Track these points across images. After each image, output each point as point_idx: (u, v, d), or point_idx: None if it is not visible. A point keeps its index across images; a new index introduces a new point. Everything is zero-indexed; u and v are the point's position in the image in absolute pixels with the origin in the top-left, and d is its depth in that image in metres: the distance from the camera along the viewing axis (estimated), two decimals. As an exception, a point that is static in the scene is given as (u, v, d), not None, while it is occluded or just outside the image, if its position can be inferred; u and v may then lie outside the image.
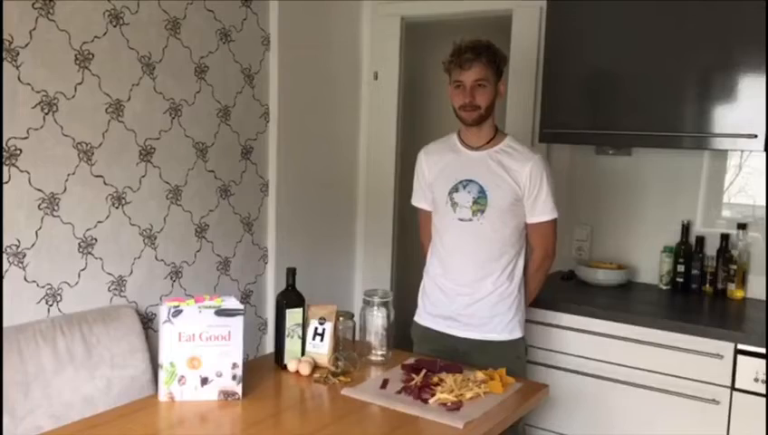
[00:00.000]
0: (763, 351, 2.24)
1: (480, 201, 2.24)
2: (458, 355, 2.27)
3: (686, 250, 2.84)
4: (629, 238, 3.03)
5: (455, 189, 2.28)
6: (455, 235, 2.29)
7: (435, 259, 2.37)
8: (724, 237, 2.77)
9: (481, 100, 2.21)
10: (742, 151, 2.74)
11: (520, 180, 2.22)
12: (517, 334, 2.31)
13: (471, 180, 2.26)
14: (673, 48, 2.54)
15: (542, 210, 2.26)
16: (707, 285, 2.80)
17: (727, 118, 2.48)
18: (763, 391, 2.25)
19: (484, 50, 2.19)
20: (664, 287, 2.88)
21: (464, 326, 2.29)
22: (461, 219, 2.26)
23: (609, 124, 2.70)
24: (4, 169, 2.14)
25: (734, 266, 2.72)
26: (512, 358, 2.26)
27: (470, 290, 2.28)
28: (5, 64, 2.11)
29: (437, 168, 2.35)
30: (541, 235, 2.31)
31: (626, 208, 3.02)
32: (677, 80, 2.56)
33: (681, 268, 2.84)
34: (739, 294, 2.73)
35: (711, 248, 2.81)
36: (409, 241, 3.77)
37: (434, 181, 2.36)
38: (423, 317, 2.41)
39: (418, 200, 2.47)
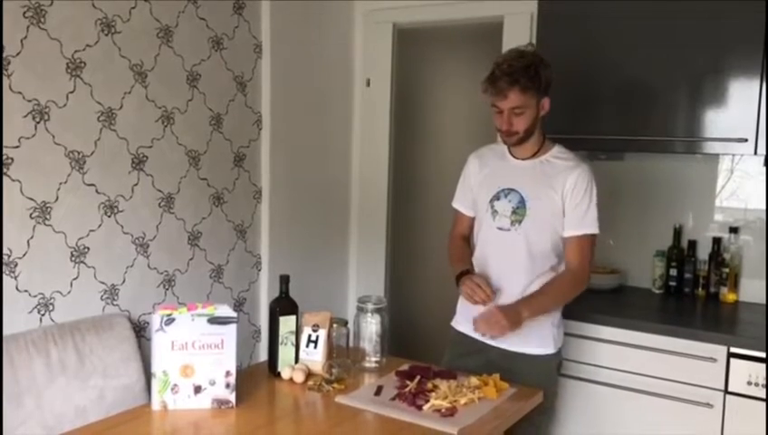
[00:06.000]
0: (755, 354, 2.25)
1: (519, 211, 2.19)
2: (489, 363, 2.20)
3: (679, 254, 2.85)
4: (622, 243, 3.03)
5: (496, 197, 2.24)
6: (492, 244, 2.25)
7: (476, 265, 2.30)
8: (716, 241, 2.78)
9: (519, 126, 2.13)
10: (733, 155, 2.76)
11: (563, 189, 2.15)
12: (550, 350, 2.25)
13: (513, 189, 2.21)
14: (664, 53, 2.55)
15: (582, 223, 2.16)
16: (700, 289, 2.81)
17: (718, 122, 2.49)
18: (757, 395, 2.25)
19: (522, 74, 2.06)
20: (656, 291, 2.89)
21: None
22: (500, 228, 2.22)
23: (600, 129, 2.71)
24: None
25: (727, 270, 2.73)
26: (543, 373, 2.21)
27: (505, 301, 2.19)
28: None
29: (483, 173, 2.31)
30: (577, 249, 2.17)
31: (618, 213, 3.02)
32: (668, 85, 2.57)
33: (674, 272, 2.85)
34: (731, 297, 2.74)
35: (703, 252, 2.83)
36: (403, 246, 3.78)
37: (478, 187, 2.32)
38: (459, 322, 2.37)
39: (458, 202, 2.42)
